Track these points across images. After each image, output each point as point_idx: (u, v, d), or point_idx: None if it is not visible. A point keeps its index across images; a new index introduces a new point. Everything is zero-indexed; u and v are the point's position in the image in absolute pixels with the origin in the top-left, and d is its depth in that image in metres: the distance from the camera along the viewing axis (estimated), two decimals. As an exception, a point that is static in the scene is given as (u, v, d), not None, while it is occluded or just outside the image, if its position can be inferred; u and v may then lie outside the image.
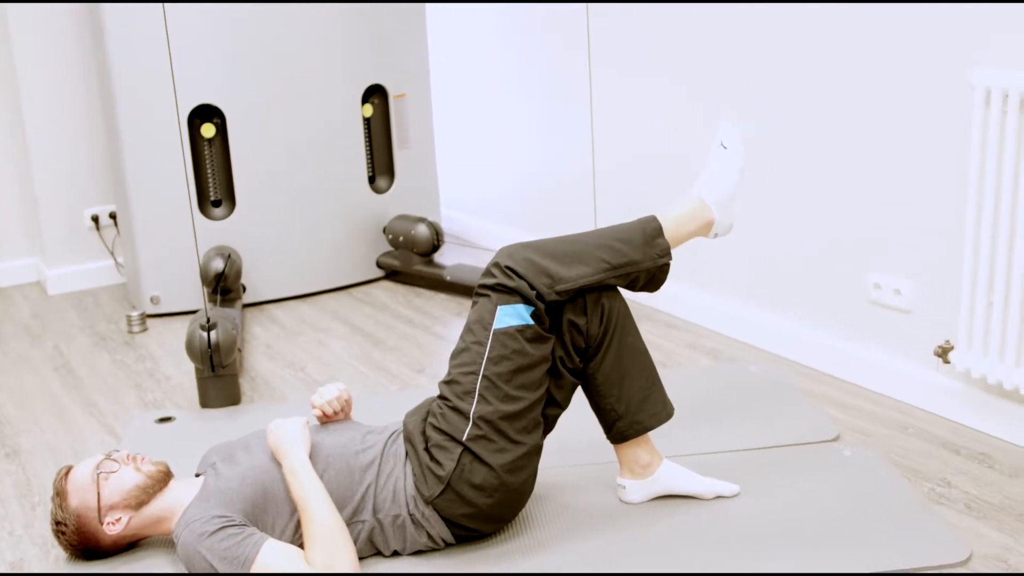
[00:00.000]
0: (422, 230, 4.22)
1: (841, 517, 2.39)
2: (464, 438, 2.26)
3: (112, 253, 4.59)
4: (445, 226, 5.05)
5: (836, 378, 3.19)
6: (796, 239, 3.28)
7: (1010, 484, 2.54)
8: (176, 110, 3.39)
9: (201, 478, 2.37)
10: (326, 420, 2.48)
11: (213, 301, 3.85)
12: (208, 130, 4.02)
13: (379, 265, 4.41)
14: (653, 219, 2.43)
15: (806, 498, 2.48)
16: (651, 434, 2.76)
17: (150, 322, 4.06)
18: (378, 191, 4.40)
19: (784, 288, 3.36)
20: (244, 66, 4.00)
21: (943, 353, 2.81)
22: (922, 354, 2.95)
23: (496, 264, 2.33)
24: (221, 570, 2.12)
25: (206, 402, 3.21)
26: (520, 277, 2.29)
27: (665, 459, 2.51)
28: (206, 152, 4.07)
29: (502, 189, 4.66)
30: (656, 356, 3.42)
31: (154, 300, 4.10)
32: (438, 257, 4.45)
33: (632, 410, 2.43)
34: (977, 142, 2.62)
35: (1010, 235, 2.59)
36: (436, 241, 4.23)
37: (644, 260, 2.40)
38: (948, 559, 2.22)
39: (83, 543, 2.31)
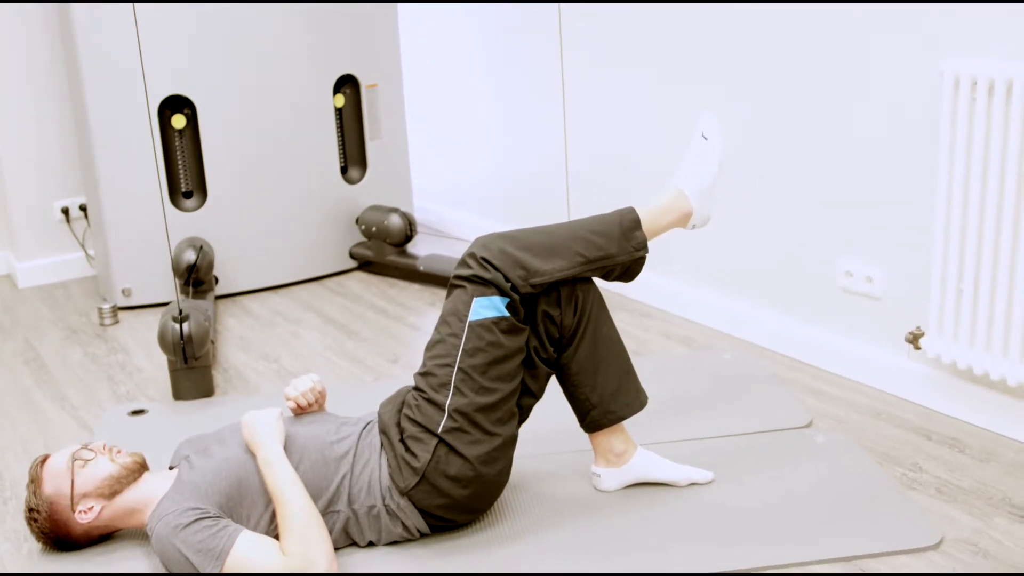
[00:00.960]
0: (395, 220, 4.21)
1: (814, 503, 2.41)
2: (439, 430, 2.26)
3: (83, 245, 4.55)
4: (418, 216, 5.04)
5: (808, 365, 3.21)
6: (768, 227, 3.30)
7: (980, 468, 2.56)
8: (146, 101, 3.36)
9: (174, 471, 2.36)
10: (300, 412, 2.47)
11: (185, 293, 3.83)
12: (179, 121, 4.00)
13: (352, 256, 4.40)
14: (631, 211, 2.43)
15: (779, 484, 2.49)
16: (625, 422, 2.77)
17: (122, 314, 4.04)
18: (350, 181, 4.39)
19: (757, 276, 3.37)
20: (215, 56, 3.97)
21: (914, 339, 2.83)
22: (893, 341, 2.97)
23: (472, 255, 2.32)
24: (196, 562, 2.11)
25: (179, 394, 3.20)
26: (496, 269, 2.29)
27: (639, 447, 2.52)
28: (177, 143, 4.04)
29: (475, 179, 4.66)
30: (630, 345, 3.43)
31: (125, 292, 4.07)
32: (411, 247, 4.44)
33: (606, 400, 2.44)
34: (947, 129, 2.64)
35: (979, 222, 2.61)
36: (409, 231, 4.22)
37: (620, 254, 2.40)
38: (919, 543, 2.24)
39: (54, 530, 2.30)
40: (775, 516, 2.37)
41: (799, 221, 3.19)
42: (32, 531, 2.33)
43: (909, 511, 2.36)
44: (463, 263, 2.34)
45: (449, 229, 4.85)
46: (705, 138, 2.52)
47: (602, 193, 3.90)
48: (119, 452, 2.35)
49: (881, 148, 2.90)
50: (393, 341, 3.61)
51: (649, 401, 2.93)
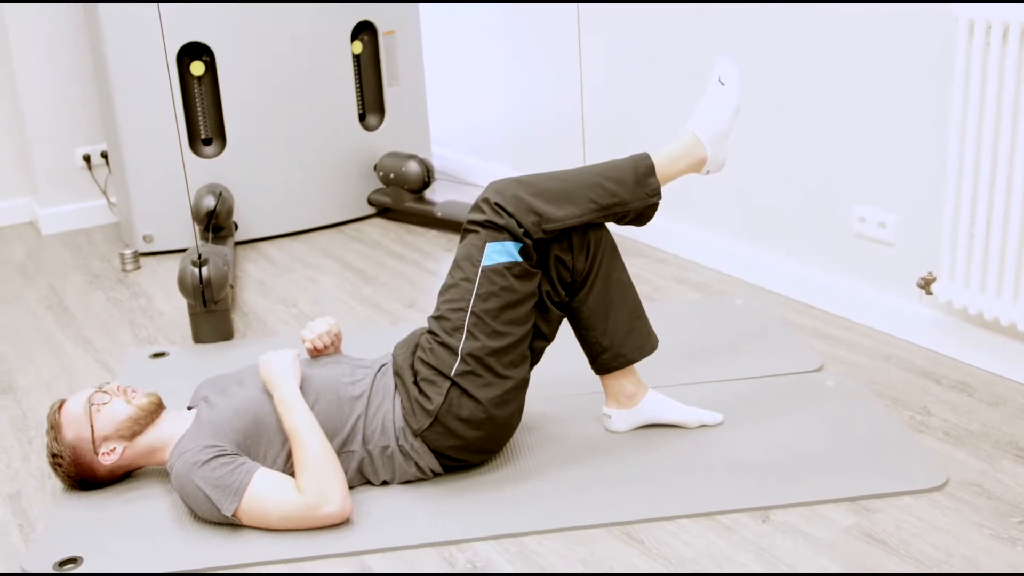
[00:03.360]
0: (412, 167, 4.23)
1: (821, 444, 2.44)
2: (452, 373, 2.30)
3: (104, 192, 4.60)
4: (436, 163, 5.06)
5: (821, 310, 3.23)
6: (783, 173, 3.30)
7: (988, 412, 2.58)
8: (164, 48, 3.38)
9: (194, 410, 2.41)
10: (316, 354, 2.51)
11: (205, 239, 3.87)
12: (197, 68, 4.02)
13: (370, 202, 4.43)
14: (646, 157, 2.44)
15: (788, 426, 2.53)
16: (637, 365, 2.80)
17: (143, 260, 4.09)
18: (368, 128, 4.41)
19: (771, 222, 3.38)
20: (233, 4, 3.98)
21: (926, 284, 2.84)
22: (905, 286, 2.99)
23: (485, 200, 2.34)
24: (214, 498, 2.17)
25: (199, 337, 3.25)
26: (509, 215, 2.31)
27: (650, 389, 2.55)
28: (196, 90, 4.07)
29: (492, 125, 4.67)
30: (644, 290, 3.45)
31: (147, 238, 4.12)
32: (429, 194, 4.47)
33: (617, 343, 2.47)
34: (960, 74, 2.63)
35: (992, 167, 2.61)
36: (426, 178, 4.24)
37: (634, 200, 2.41)
38: (925, 484, 2.27)
39: (80, 474, 2.36)
40: (783, 457, 2.40)
41: (813, 167, 3.19)
42: (57, 475, 2.39)
43: (916, 453, 2.39)
44: (476, 208, 2.36)
45: (467, 175, 4.87)
46: (722, 83, 2.51)
47: (618, 138, 3.91)
48: (134, 393, 2.40)
49: (895, 94, 2.89)
50: (410, 286, 3.65)
51: (661, 345, 2.97)
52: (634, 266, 3.68)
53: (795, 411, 2.60)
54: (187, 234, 4.13)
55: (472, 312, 2.31)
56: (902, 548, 2.08)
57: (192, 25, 3.95)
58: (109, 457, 2.34)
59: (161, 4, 3.84)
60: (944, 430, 2.51)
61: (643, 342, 2.50)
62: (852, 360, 2.89)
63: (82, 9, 4.34)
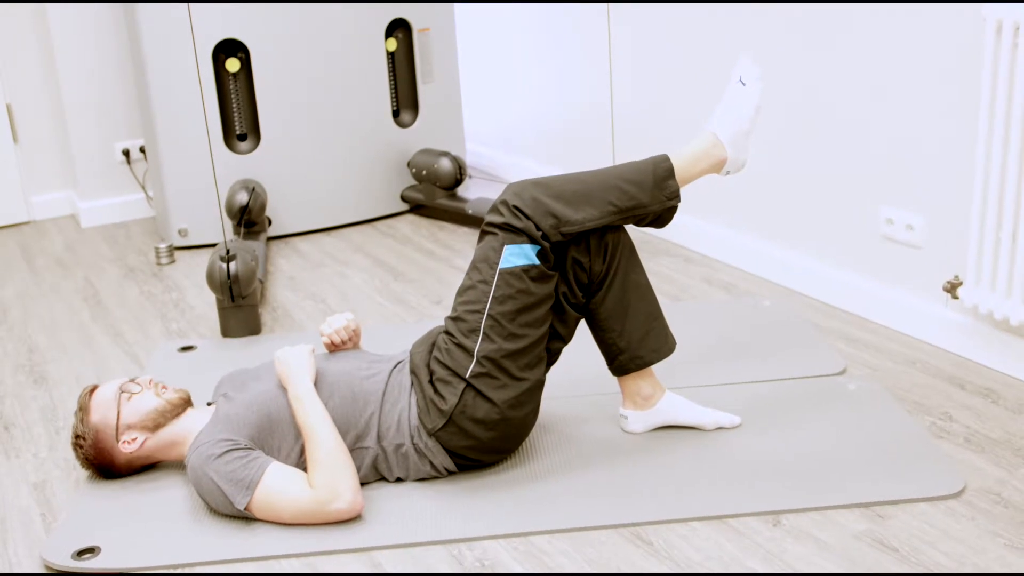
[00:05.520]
0: (445, 164, 4.24)
1: (839, 449, 2.42)
2: (467, 375, 2.31)
3: (143, 186, 4.66)
4: (469, 160, 5.07)
5: (847, 312, 3.20)
6: (810, 174, 3.28)
7: (1012, 419, 2.55)
8: (193, 45, 3.42)
9: (214, 406, 2.45)
10: (334, 349, 2.54)
11: (238, 234, 3.91)
12: (233, 65, 4.06)
13: (403, 199, 4.45)
14: (665, 159, 2.43)
15: (806, 430, 2.51)
16: (658, 366, 2.79)
17: (178, 254, 4.14)
18: (402, 125, 4.43)
19: (798, 223, 3.36)
20: (268, 2, 4.02)
21: (952, 288, 2.81)
22: (932, 289, 2.95)
23: (504, 202, 2.35)
24: (227, 492, 2.20)
25: (227, 332, 3.29)
26: (527, 217, 2.31)
27: (667, 391, 2.55)
28: (231, 86, 4.11)
29: (525, 123, 4.67)
30: (671, 290, 3.44)
31: (182, 232, 4.17)
32: (461, 191, 4.48)
33: (634, 345, 2.47)
34: (988, 75, 2.60)
35: (1019, 170, 2.58)
36: (459, 175, 4.25)
37: (652, 203, 2.41)
38: (941, 491, 2.25)
39: (98, 458, 2.41)
40: (799, 461, 2.39)
41: (841, 169, 3.17)
42: (77, 457, 2.44)
43: (934, 459, 2.37)
44: (495, 210, 2.36)
45: (500, 173, 4.88)
46: (743, 83, 2.50)
47: (649, 135, 3.90)
48: (164, 388, 2.44)
49: (923, 95, 2.86)
50: (438, 283, 3.66)
51: (685, 346, 2.96)
52: (661, 266, 3.67)
53: (815, 414, 2.58)
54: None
55: (488, 315, 2.32)
56: (913, 556, 2.07)
57: (227, 22, 3.99)
58: (129, 446, 2.38)
59: (195, 3, 3.89)
60: (965, 436, 2.49)
61: (660, 344, 2.50)
62: (876, 363, 2.86)
63: (121, 8, 4.40)
